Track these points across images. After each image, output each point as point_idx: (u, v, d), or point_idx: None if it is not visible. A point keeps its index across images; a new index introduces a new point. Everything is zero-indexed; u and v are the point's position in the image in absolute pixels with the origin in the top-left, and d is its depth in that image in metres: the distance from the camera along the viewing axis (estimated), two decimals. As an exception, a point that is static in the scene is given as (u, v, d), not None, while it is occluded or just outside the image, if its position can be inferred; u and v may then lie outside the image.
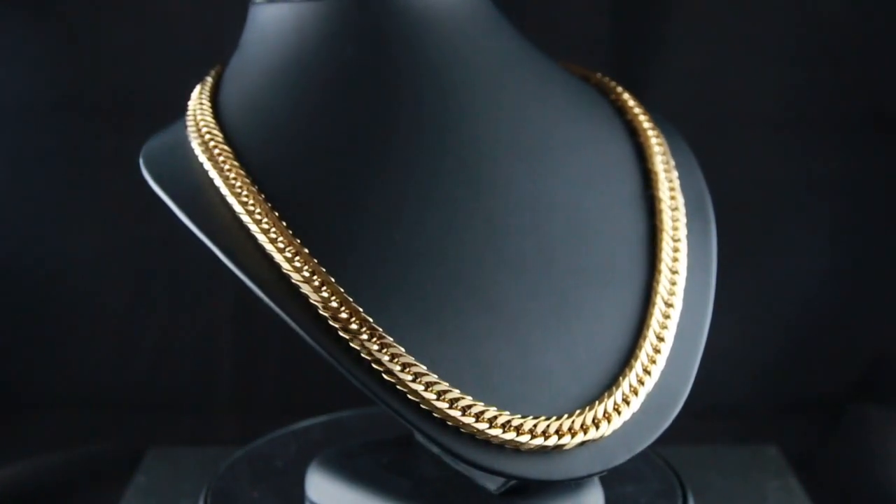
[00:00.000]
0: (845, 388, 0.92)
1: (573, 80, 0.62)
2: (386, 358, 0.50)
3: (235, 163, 0.54)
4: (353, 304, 0.50)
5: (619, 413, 0.53)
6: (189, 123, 0.57)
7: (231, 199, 0.53)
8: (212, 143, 0.55)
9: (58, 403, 0.93)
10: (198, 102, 0.58)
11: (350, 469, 0.61)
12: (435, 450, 0.62)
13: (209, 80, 0.60)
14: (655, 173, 0.60)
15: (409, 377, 0.50)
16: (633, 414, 0.53)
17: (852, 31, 0.89)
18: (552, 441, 0.51)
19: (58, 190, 0.92)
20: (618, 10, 0.89)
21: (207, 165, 0.54)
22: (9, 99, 0.90)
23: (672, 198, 0.59)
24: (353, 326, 0.50)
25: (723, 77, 0.89)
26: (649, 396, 0.54)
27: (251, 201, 0.53)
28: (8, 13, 0.89)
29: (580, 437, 0.52)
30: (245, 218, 0.52)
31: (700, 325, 0.56)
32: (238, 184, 0.53)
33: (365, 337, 0.50)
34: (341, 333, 0.50)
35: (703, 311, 0.57)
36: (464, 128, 0.55)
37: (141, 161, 0.56)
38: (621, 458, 0.52)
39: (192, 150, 0.56)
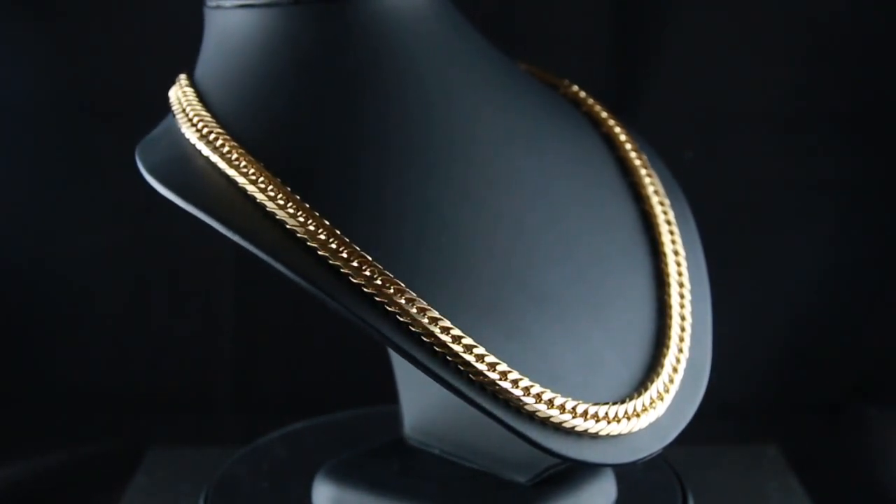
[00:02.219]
0: (845, 388, 0.92)
1: (529, 76, 0.64)
2: (472, 358, 0.50)
3: (251, 157, 0.52)
4: (431, 310, 0.50)
5: (668, 391, 0.55)
6: (184, 126, 0.55)
7: (281, 214, 0.51)
8: (229, 151, 0.53)
9: (58, 403, 0.93)
10: (185, 102, 0.56)
11: (365, 478, 0.60)
12: (433, 454, 0.62)
13: (186, 85, 0.58)
14: (630, 160, 0.62)
15: (496, 375, 0.51)
16: (677, 391, 0.56)
17: (852, 31, 0.88)
18: (623, 425, 0.53)
19: (57, 189, 0.92)
20: (617, 10, 0.89)
21: (233, 173, 0.53)
22: (9, 99, 0.90)
23: (651, 183, 0.61)
24: (437, 331, 0.50)
25: (723, 77, 0.89)
26: (685, 372, 0.56)
27: (301, 213, 0.51)
28: (8, 13, 0.89)
29: (645, 419, 0.54)
30: (300, 231, 0.51)
31: (705, 301, 0.59)
32: (267, 183, 0.51)
33: (449, 339, 0.50)
34: (425, 339, 0.50)
35: (704, 288, 0.60)
36: (467, 126, 0.56)
37: (149, 175, 0.55)
38: (673, 433, 0.55)
39: (202, 156, 0.54)
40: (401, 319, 0.50)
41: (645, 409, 0.54)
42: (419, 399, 0.64)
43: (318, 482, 0.61)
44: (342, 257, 0.50)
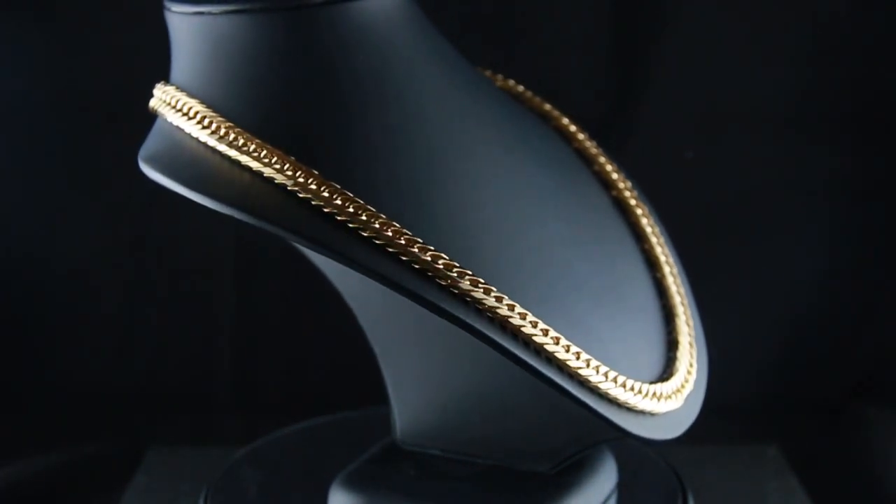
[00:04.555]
0: (845, 388, 0.92)
1: (483, 74, 0.65)
2: (560, 349, 0.52)
3: (268, 146, 0.51)
4: (516, 305, 0.51)
5: (692, 366, 0.59)
6: (211, 139, 0.53)
7: (356, 223, 0.50)
8: (277, 161, 0.51)
9: (58, 403, 0.93)
10: (200, 112, 0.54)
11: (388, 486, 0.60)
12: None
13: (187, 96, 0.56)
14: (587, 150, 0.64)
15: (581, 364, 0.52)
16: (696, 365, 0.59)
17: (852, 31, 0.89)
18: (674, 402, 0.56)
19: (57, 190, 0.92)
20: (617, 10, 0.89)
21: (292, 185, 0.51)
22: (9, 99, 0.90)
23: (614, 170, 0.63)
24: (527, 325, 0.51)
25: (723, 77, 0.89)
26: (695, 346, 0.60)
27: (374, 220, 0.50)
28: (8, 13, 0.89)
29: (684, 393, 0.57)
30: (379, 240, 0.50)
31: (685, 277, 0.63)
32: (332, 193, 0.50)
33: (539, 333, 0.51)
34: (517, 335, 0.51)
35: (679, 266, 0.63)
36: (468, 127, 0.56)
37: (201, 195, 0.52)
38: (699, 404, 0.59)
39: (251, 169, 0.52)
40: (492, 317, 0.50)
41: (683, 386, 0.57)
42: (414, 401, 0.63)
43: (337, 494, 0.60)
44: (425, 260, 0.50)
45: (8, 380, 0.93)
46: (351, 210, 0.50)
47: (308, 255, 0.64)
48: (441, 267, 0.50)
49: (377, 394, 0.66)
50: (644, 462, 0.69)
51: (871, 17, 0.88)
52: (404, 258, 0.50)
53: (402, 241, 0.50)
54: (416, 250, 0.50)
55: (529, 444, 0.60)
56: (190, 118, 0.54)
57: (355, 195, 0.50)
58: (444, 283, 0.50)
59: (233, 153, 0.52)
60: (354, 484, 0.60)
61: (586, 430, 0.58)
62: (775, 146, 0.90)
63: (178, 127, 0.55)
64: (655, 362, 0.58)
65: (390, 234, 0.50)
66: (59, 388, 0.94)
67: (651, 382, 0.56)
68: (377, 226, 0.50)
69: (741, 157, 0.90)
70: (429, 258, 0.50)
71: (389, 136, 0.53)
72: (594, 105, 0.90)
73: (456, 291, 0.50)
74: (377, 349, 0.64)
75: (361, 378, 0.72)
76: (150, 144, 0.56)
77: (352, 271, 0.59)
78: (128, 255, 0.92)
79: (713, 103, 0.89)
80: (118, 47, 0.89)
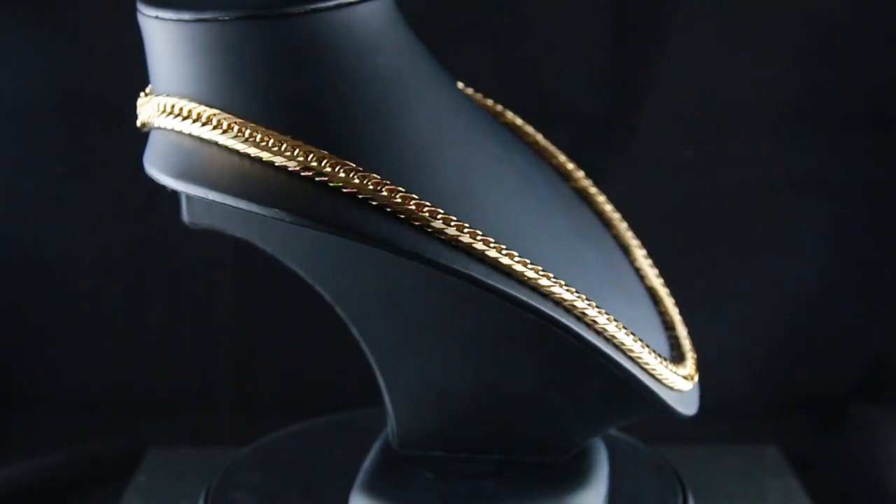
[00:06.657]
0: (845, 388, 0.92)
1: None
2: (622, 334, 0.54)
3: (326, 153, 0.50)
4: (581, 293, 0.52)
5: (691, 344, 0.61)
6: (218, 138, 0.51)
7: (440, 226, 0.50)
8: (331, 163, 0.50)
9: (58, 403, 0.93)
10: (191, 111, 0.52)
11: (416, 490, 0.59)
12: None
13: (185, 103, 0.53)
14: (539, 144, 0.65)
15: (639, 346, 0.54)
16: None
17: (852, 31, 0.89)
18: (696, 380, 0.59)
19: (57, 190, 0.92)
20: (618, 10, 0.89)
21: (289, 163, 0.50)
22: (8, 99, 0.90)
23: (568, 161, 0.65)
24: (592, 311, 0.53)
25: (723, 77, 0.89)
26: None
27: (449, 225, 0.50)
28: (7, 13, 0.89)
29: (696, 370, 0.60)
30: (448, 239, 0.50)
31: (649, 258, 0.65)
32: (406, 199, 0.50)
33: (605, 320, 0.53)
34: (588, 321, 0.53)
35: (642, 249, 0.65)
36: (476, 125, 0.57)
37: (252, 204, 0.50)
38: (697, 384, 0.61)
39: (312, 181, 0.50)
40: (568, 309, 0.52)
41: (695, 363, 0.60)
42: (413, 405, 0.63)
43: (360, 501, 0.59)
44: (501, 259, 0.51)
45: (8, 380, 0.93)
46: (426, 214, 0.50)
47: (296, 266, 0.63)
48: (518, 265, 0.51)
49: (377, 394, 0.66)
50: (644, 462, 0.69)
51: (871, 17, 0.88)
52: (482, 259, 0.51)
53: (480, 242, 0.51)
54: (493, 250, 0.51)
55: (534, 436, 0.61)
56: (225, 131, 0.51)
57: (421, 198, 0.50)
58: (524, 280, 0.51)
59: (292, 164, 0.50)
60: (377, 493, 0.59)
61: (596, 416, 0.60)
62: (775, 146, 0.90)
63: (206, 139, 0.52)
64: (665, 342, 0.60)
65: (468, 235, 0.50)
66: (59, 388, 0.94)
67: (673, 362, 0.58)
68: (453, 229, 0.50)
69: (741, 157, 0.90)
70: (505, 257, 0.51)
71: (427, 137, 0.53)
72: (594, 105, 0.90)
73: (537, 289, 0.51)
74: (373, 356, 0.64)
75: (361, 378, 0.72)
76: (171, 160, 0.53)
77: (348, 275, 0.59)
78: (128, 255, 0.92)
79: (713, 103, 0.89)
80: (118, 47, 0.89)
